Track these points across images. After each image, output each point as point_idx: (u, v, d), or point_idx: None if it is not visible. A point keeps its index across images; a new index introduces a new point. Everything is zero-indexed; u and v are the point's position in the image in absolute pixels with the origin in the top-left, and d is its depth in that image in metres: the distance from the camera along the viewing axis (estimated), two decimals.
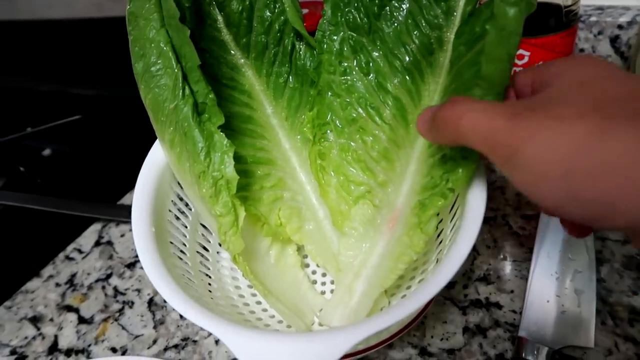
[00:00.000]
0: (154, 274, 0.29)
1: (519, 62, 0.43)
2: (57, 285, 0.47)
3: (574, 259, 0.39)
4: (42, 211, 0.52)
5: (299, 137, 0.36)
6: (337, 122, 0.34)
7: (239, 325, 0.26)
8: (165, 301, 0.43)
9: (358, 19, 0.34)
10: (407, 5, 0.33)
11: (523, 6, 0.24)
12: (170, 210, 0.34)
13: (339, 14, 0.34)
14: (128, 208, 0.53)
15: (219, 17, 0.35)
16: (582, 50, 0.49)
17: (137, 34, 0.31)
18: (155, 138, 0.35)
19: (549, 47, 0.42)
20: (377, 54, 0.33)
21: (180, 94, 0.31)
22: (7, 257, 0.52)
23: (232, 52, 0.35)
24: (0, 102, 0.69)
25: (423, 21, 0.32)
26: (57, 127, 0.62)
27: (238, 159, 0.34)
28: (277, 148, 0.36)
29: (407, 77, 0.33)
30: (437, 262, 0.34)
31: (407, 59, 0.33)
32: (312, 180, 0.36)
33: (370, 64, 0.34)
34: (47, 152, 0.64)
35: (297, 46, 0.36)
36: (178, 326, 0.41)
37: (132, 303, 0.44)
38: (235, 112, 0.35)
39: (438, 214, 0.31)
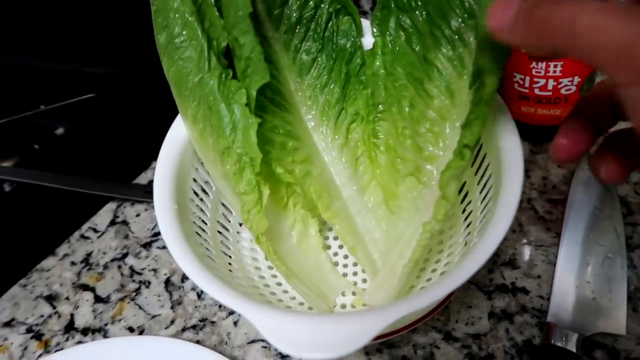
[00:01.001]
0: (178, 251, 0.28)
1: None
2: (73, 264, 0.46)
3: (603, 245, 0.38)
4: (56, 189, 0.51)
5: (323, 117, 0.35)
6: (390, 100, 0.34)
7: (267, 306, 0.25)
8: (182, 281, 0.43)
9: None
10: None
11: None
12: (191, 188, 0.33)
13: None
14: (143, 187, 0.52)
15: None
16: None
17: (160, 4, 0.30)
18: (174, 114, 0.34)
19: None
20: (422, 28, 0.32)
21: (206, 66, 0.30)
22: (22, 235, 0.51)
23: (262, 22, 0.34)
24: (13, 79, 0.68)
25: None
26: (71, 105, 0.60)
27: (271, 128, 0.33)
28: (301, 126, 0.35)
29: (450, 48, 0.32)
30: (465, 244, 0.33)
31: (450, 28, 0.31)
32: (334, 162, 0.36)
33: (415, 38, 0.33)
34: (60, 130, 0.63)
35: (334, 23, 0.35)
36: (196, 307, 0.40)
37: (149, 283, 0.43)
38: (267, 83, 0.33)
39: (461, 181, 0.29)
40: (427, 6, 0.32)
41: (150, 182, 0.53)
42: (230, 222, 0.37)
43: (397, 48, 0.34)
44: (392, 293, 0.31)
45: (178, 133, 0.33)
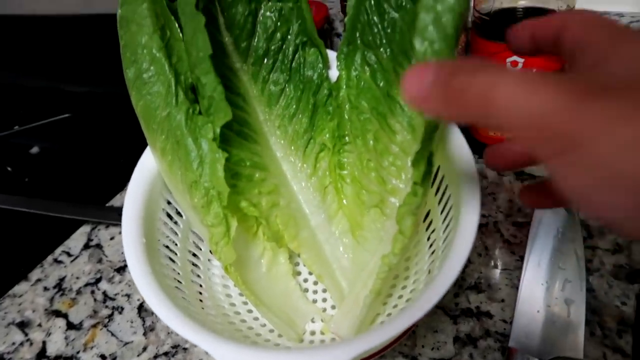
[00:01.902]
0: (144, 287, 0.28)
1: (514, 69, 0.43)
2: (46, 289, 0.46)
3: (564, 268, 0.39)
4: (30, 213, 0.51)
5: (291, 146, 0.36)
6: (355, 132, 0.35)
7: (229, 340, 0.26)
8: None
9: (371, 36, 0.34)
10: (408, 15, 0.32)
11: None
12: (161, 219, 0.34)
13: (356, 33, 0.34)
14: (118, 210, 0.52)
15: (221, 19, 0.34)
16: None
17: (128, 39, 0.31)
18: (146, 143, 0.34)
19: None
20: (386, 65, 0.33)
21: (174, 101, 0.31)
22: None
23: (230, 55, 0.34)
24: None
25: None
26: (46, 126, 0.61)
27: (237, 161, 0.33)
28: (270, 155, 0.36)
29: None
30: (429, 272, 0.34)
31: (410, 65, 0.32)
32: (302, 190, 0.36)
33: (379, 74, 0.34)
34: (35, 150, 0.63)
35: (301, 54, 0.36)
36: (168, 333, 0.41)
37: (122, 309, 0.43)
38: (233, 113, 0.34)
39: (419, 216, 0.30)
40: (391, 44, 0.33)
41: None
42: (201, 249, 0.38)
43: (362, 83, 0.35)
44: (356, 322, 0.32)
45: (147, 164, 0.34)
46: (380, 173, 0.34)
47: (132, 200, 0.33)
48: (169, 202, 0.35)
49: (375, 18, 0.34)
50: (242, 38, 0.35)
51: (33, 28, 0.63)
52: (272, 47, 0.36)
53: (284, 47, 0.36)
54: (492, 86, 0.16)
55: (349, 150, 0.35)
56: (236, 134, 0.33)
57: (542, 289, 0.38)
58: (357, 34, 0.34)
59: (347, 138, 0.35)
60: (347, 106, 0.35)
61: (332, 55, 0.37)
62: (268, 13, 0.35)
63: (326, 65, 0.37)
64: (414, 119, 0.32)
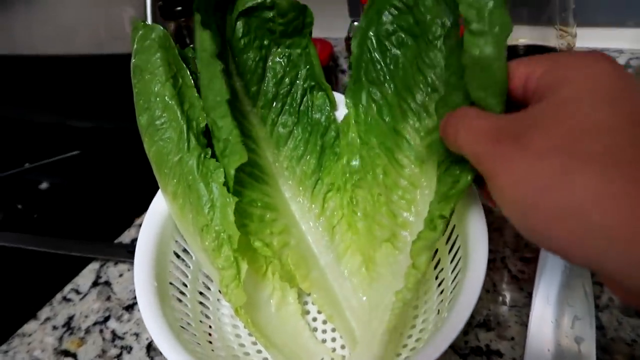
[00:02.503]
0: (156, 331, 0.29)
1: None
2: (55, 328, 0.46)
3: (572, 305, 0.39)
4: (39, 251, 0.52)
5: (299, 187, 0.37)
6: (365, 168, 0.36)
7: None
8: None
9: (374, 72, 0.35)
10: (410, 51, 0.34)
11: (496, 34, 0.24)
12: (172, 261, 0.34)
13: (361, 71, 0.35)
14: (126, 247, 0.53)
15: (233, 64, 0.35)
16: None
17: (141, 87, 0.32)
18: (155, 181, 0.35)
19: None
20: (391, 100, 0.35)
21: (186, 146, 0.32)
22: (3, 299, 0.51)
23: (241, 99, 0.35)
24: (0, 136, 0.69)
25: (425, 63, 0.33)
26: (56, 163, 0.62)
27: (249, 201, 0.34)
28: (279, 196, 0.36)
29: (416, 119, 0.34)
30: (438, 312, 0.34)
31: (415, 101, 0.34)
32: (311, 230, 0.37)
33: (385, 110, 0.35)
34: (44, 185, 0.64)
35: (309, 98, 0.37)
36: None
37: (131, 348, 0.43)
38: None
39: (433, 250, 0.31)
40: (394, 80, 0.34)
41: (134, 241, 0.54)
42: (210, 290, 0.38)
43: (370, 119, 0.36)
44: None
45: (159, 207, 0.35)
46: (390, 207, 0.34)
47: (145, 243, 0.33)
48: (179, 245, 0.36)
49: (377, 55, 0.35)
50: (252, 82, 0.36)
51: (45, 68, 0.65)
52: (281, 91, 0.37)
53: (292, 90, 0.37)
54: (457, 130, 0.24)
55: (361, 186, 0.36)
56: (248, 175, 0.34)
57: (551, 327, 0.38)
58: (362, 72, 0.36)
59: (357, 175, 0.36)
60: (357, 142, 0.36)
61: (339, 97, 0.38)
62: (277, 59, 0.36)
63: (333, 107, 0.37)
64: (421, 152, 0.33)
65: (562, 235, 0.18)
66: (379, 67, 0.35)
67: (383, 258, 0.35)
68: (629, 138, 0.19)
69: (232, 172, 0.31)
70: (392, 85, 0.35)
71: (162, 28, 0.33)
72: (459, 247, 0.33)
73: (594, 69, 0.21)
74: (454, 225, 0.34)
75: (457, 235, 0.33)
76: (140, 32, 0.33)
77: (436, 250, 0.36)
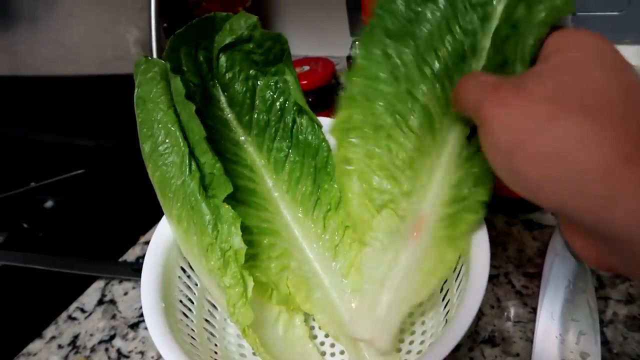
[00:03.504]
0: (167, 349, 0.29)
1: None
2: (60, 347, 0.47)
3: (577, 320, 0.39)
4: (44, 270, 0.52)
5: (300, 209, 0.37)
6: (365, 127, 0.33)
7: None
8: None
9: (393, 25, 0.31)
10: (443, 7, 0.30)
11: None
12: (177, 285, 0.35)
13: (378, 21, 0.32)
14: (131, 265, 0.53)
15: (222, 98, 0.37)
16: None
17: (145, 116, 0.33)
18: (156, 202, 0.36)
19: None
20: (408, 59, 0.31)
21: (187, 170, 0.32)
22: (9, 318, 0.52)
23: (234, 129, 0.37)
24: (5, 156, 0.69)
25: (457, 27, 0.30)
26: (61, 182, 0.62)
27: (244, 229, 0.34)
28: (280, 219, 0.37)
29: (436, 85, 0.31)
30: (445, 322, 0.34)
31: (438, 65, 0.31)
32: (314, 250, 0.37)
33: (401, 69, 0.31)
34: (49, 204, 0.64)
35: (299, 121, 0.38)
36: None
37: None
38: (239, 185, 0.35)
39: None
40: (416, 37, 0.31)
41: (138, 259, 0.54)
42: (216, 318, 0.38)
43: (380, 75, 0.32)
44: (375, 322, 0.32)
45: (164, 231, 0.35)
46: (392, 172, 0.33)
47: (151, 264, 0.34)
48: (184, 272, 0.36)
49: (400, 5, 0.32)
50: (243, 113, 0.38)
51: (49, 88, 0.66)
52: (273, 118, 0.38)
53: (283, 116, 0.38)
54: (465, 90, 0.26)
55: (356, 145, 0.33)
56: (242, 203, 0.35)
57: (556, 343, 0.38)
58: (379, 21, 0.32)
59: (356, 134, 0.33)
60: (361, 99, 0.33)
61: (325, 120, 0.38)
62: (265, 87, 0.38)
63: (320, 128, 0.38)
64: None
65: (540, 175, 0.20)
66: (401, 19, 0.31)
67: (382, 224, 0.33)
68: (622, 98, 0.20)
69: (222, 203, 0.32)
70: (413, 43, 0.31)
71: (163, 62, 0.34)
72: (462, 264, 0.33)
73: (596, 42, 0.23)
74: None
75: None
76: (143, 66, 0.34)
77: None
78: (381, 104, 0.32)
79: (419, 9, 0.31)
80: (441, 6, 0.30)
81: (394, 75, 0.32)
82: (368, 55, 0.32)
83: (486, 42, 0.30)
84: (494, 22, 0.29)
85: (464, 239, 0.32)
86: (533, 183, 0.20)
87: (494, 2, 0.29)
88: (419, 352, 0.36)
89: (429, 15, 0.31)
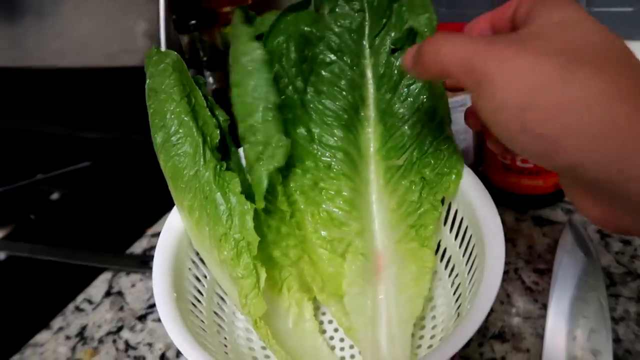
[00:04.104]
0: (182, 341, 0.29)
1: None
2: (67, 338, 0.47)
3: (588, 317, 0.39)
4: (51, 261, 0.52)
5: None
6: (299, 190, 0.36)
7: None
8: (178, 356, 0.43)
9: (289, 96, 0.36)
10: (327, 75, 0.36)
11: None
12: (187, 277, 0.34)
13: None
14: (138, 257, 0.53)
15: None
16: None
17: (157, 107, 0.32)
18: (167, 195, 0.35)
19: None
20: (314, 121, 0.36)
21: (202, 160, 0.32)
22: (16, 308, 0.52)
23: None
24: (12, 148, 0.69)
25: (343, 85, 0.36)
26: (67, 174, 0.62)
27: (269, 212, 0.34)
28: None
29: (345, 132, 0.36)
30: (458, 316, 0.34)
31: (341, 118, 0.36)
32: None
33: (312, 130, 0.36)
34: (55, 196, 0.64)
35: None
36: None
37: (144, 358, 0.43)
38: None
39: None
40: None
41: (145, 252, 0.54)
42: (225, 311, 0.38)
43: None
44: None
45: (175, 223, 0.35)
46: (340, 219, 0.36)
47: (162, 254, 0.33)
48: (195, 264, 0.36)
49: None
50: None
51: (57, 80, 0.66)
52: None
53: None
54: (439, 47, 0.22)
55: (301, 208, 0.37)
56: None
57: (567, 339, 0.38)
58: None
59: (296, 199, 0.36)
60: None
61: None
62: None
63: None
64: None
65: (556, 132, 0.19)
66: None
67: (351, 268, 0.36)
68: (624, 53, 0.20)
69: (265, 178, 0.32)
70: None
71: (175, 53, 0.34)
72: (473, 246, 0.33)
73: (572, 6, 0.22)
74: (467, 226, 0.34)
75: (471, 235, 0.33)
76: (155, 57, 0.34)
77: (450, 257, 0.37)
78: (306, 163, 0.36)
79: (306, 80, 0.36)
80: (326, 75, 0.36)
81: (307, 137, 0.36)
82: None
83: (371, 89, 0.36)
84: (370, 74, 0.36)
85: (433, 238, 0.35)
86: (548, 141, 0.19)
87: (364, 60, 0.36)
88: (429, 347, 0.36)
89: (317, 83, 0.36)
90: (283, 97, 0.35)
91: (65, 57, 0.65)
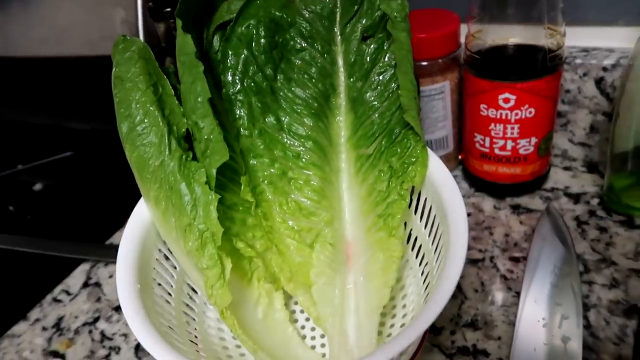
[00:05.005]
0: (139, 329, 0.28)
1: (505, 106, 0.44)
2: (44, 329, 0.47)
3: (560, 304, 0.39)
4: (29, 252, 0.52)
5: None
6: (267, 180, 0.36)
7: None
8: None
9: (258, 83, 0.35)
10: (297, 62, 0.35)
11: (407, 26, 0.33)
12: (154, 268, 0.34)
13: (240, 82, 0.35)
14: (117, 247, 0.53)
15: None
16: (568, 91, 0.50)
17: (122, 96, 0.32)
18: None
19: (535, 90, 0.43)
20: (283, 109, 0.36)
21: (167, 149, 0.31)
22: None
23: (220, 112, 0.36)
24: None
25: (314, 72, 0.35)
26: (49, 164, 0.62)
27: (231, 205, 0.34)
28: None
29: (315, 121, 0.35)
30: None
31: (311, 106, 0.35)
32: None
33: (282, 119, 0.35)
34: (38, 186, 0.64)
35: None
36: None
37: (119, 349, 0.43)
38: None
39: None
40: None
41: None
42: (195, 302, 0.38)
43: None
44: (352, 353, 0.32)
45: (142, 213, 0.34)
46: (309, 209, 0.36)
47: (127, 245, 0.33)
48: (163, 255, 0.36)
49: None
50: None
51: (38, 69, 0.65)
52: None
53: None
54: None
55: (268, 198, 0.36)
56: (228, 180, 0.34)
57: (539, 326, 0.38)
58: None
59: (264, 189, 0.36)
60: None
61: None
62: None
63: None
64: None
65: None
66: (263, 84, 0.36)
67: (319, 258, 0.35)
68: None
69: (214, 171, 0.31)
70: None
71: (142, 41, 0.34)
72: (441, 235, 0.33)
73: None
74: (435, 215, 0.34)
75: (439, 224, 0.33)
76: (121, 45, 0.33)
77: (421, 245, 0.37)
78: (275, 152, 0.35)
79: (277, 67, 0.36)
80: (296, 62, 0.35)
81: (276, 126, 0.35)
82: (243, 116, 0.35)
83: (342, 77, 0.36)
84: (340, 62, 0.36)
85: (400, 228, 0.34)
86: None
87: (335, 48, 0.36)
88: (402, 326, 0.36)
89: (287, 71, 0.35)
90: (252, 84, 0.35)
91: (47, 46, 0.64)
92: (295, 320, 0.39)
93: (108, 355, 0.43)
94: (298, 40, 0.36)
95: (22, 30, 0.66)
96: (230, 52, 0.35)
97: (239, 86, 0.35)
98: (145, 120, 0.32)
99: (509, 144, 0.46)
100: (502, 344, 0.38)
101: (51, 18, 0.64)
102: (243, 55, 0.35)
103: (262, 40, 0.35)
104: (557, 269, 0.42)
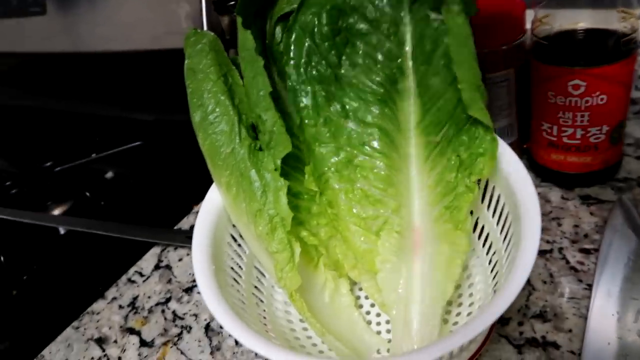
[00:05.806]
0: (216, 306, 0.30)
1: (575, 93, 0.42)
2: (121, 307, 0.50)
3: (636, 298, 0.37)
4: (106, 236, 0.55)
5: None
6: (333, 168, 0.36)
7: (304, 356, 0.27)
8: (222, 327, 0.45)
9: (322, 72, 0.35)
10: (362, 47, 0.34)
11: (466, 11, 0.30)
12: (226, 251, 0.36)
13: (304, 73, 0.35)
14: (185, 232, 0.55)
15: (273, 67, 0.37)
16: None
17: (195, 87, 0.33)
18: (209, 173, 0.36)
19: (607, 76, 0.41)
20: (349, 96, 0.35)
21: (237, 138, 0.33)
22: (74, 279, 0.55)
23: (284, 98, 0.36)
24: (69, 129, 0.73)
25: (380, 57, 0.34)
26: (120, 153, 0.65)
27: (296, 193, 0.35)
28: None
29: (382, 107, 0.35)
30: (494, 293, 0.34)
31: (377, 92, 0.35)
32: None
33: (347, 106, 0.35)
34: (110, 174, 0.68)
35: None
36: (234, 353, 0.42)
37: (190, 328, 0.46)
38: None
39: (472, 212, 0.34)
40: None
41: (192, 228, 0.56)
42: (264, 285, 0.39)
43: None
44: (414, 345, 0.32)
45: (214, 197, 0.36)
46: (376, 197, 0.36)
47: (201, 228, 0.35)
48: (234, 238, 0.37)
49: None
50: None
51: (107, 64, 0.68)
52: None
53: None
54: None
55: (334, 187, 0.36)
56: (292, 169, 0.35)
57: (613, 320, 0.36)
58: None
59: (329, 178, 0.36)
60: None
61: None
62: None
63: None
64: None
65: None
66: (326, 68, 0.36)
67: (385, 246, 0.36)
68: None
69: (278, 162, 0.32)
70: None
71: (212, 34, 0.35)
72: (510, 224, 0.32)
73: None
74: (504, 204, 0.33)
75: (508, 212, 0.32)
76: (192, 38, 0.35)
77: (488, 234, 0.36)
78: (341, 140, 0.36)
79: (341, 53, 0.35)
80: (359, 45, 0.34)
81: (341, 113, 0.35)
82: (308, 105, 0.36)
83: (409, 61, 0.33)
84: (409, 43, 0.33)
85: (467, 221, 0.33)
86: None
87: (403, 28, 0.33)
88: (468, 314, 0.35)
89: (352, 56, 0.35)
90: (316, 73, 0.35)
91: (115, 42, 0.68)
92: (361, 306, 0.39)
93: (180, 334, 0.45)
94: (362, 24, 0.35)
95: (89, 28, 0.70)
96: (292, 43, 0.35)
97: (302, 77, 0.36)
98: (217, 110, 0.33)
99: (579, 132, 0.44)
100: (573, 337, 0.37)
101: (117, 16, 0.68)
102: (306, 45, 0.35)
103: (325, 28, 0.35)
104: (631, 262, 0.40)
